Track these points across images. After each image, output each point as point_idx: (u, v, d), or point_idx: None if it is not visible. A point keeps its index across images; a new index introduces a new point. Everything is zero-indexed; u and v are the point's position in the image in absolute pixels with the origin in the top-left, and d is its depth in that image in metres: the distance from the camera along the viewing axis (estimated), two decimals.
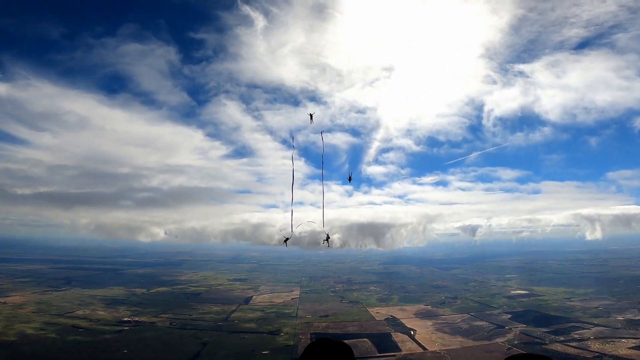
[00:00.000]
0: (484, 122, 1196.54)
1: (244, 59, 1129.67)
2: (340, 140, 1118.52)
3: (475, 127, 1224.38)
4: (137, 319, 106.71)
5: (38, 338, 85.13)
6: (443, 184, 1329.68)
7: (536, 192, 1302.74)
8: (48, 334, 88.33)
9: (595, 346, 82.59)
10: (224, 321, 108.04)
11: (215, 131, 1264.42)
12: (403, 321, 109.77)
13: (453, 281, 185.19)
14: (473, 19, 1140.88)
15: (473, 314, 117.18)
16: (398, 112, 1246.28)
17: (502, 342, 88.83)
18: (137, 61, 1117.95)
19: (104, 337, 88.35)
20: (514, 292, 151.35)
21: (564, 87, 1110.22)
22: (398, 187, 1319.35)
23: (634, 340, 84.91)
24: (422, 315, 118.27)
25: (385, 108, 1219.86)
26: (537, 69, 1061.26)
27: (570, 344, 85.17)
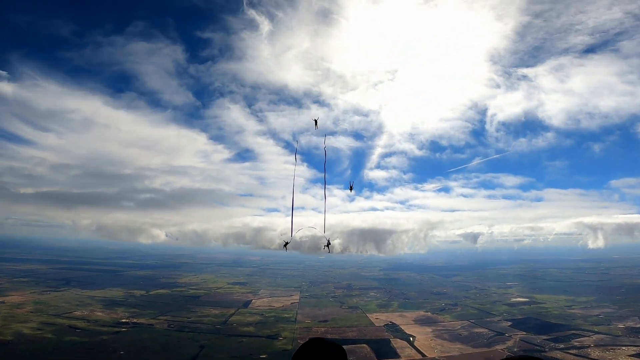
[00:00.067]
0: (487, 126, 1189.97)
1: (249, 61, 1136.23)
2: (343, 143, 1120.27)
3: (478, 132, 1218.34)
4: (135, 320, 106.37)
5: (34, 338, 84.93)
6: (445, 190, 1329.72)
7: (539, 199, 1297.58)
8: (44, 334, 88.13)
9: (596, 354, 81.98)
10: (222, 324, 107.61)
11: (219, 134, 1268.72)
12: (402, 327, 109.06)
13: (453, 288, 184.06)
14: (477, 26, 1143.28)
15: (473, 321, 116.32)
16: (401, 115, 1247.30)
17: (501, 350, 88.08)
18: (144, 59, 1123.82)
19: (100, 338, 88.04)
20: (514, 299, 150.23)
21: (568, 92, 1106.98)
22: (400, 192, 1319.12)
23: (634, 348, 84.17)
24: (422, 321, 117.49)
25: (389, 111, 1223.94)
26: (541, 73, 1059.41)
27: (570, 351, 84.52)
